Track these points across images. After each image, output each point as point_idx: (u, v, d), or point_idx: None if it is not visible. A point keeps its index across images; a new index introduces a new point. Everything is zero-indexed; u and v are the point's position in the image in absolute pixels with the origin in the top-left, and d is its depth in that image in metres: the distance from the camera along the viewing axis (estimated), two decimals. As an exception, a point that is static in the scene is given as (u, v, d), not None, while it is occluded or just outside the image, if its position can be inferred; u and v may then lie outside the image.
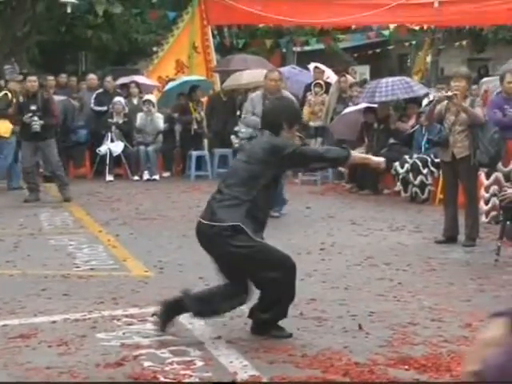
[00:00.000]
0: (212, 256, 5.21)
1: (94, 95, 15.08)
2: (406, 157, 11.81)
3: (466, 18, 17.05)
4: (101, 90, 15.20)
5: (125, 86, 16.34)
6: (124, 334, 5.23)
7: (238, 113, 15.09)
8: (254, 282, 5.14)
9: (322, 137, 14.86)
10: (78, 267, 7.37)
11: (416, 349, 4.93)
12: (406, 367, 4.59)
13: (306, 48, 27.28)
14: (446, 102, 8.54)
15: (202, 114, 15.37)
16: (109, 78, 15.68)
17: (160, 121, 14.91)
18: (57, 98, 14.13)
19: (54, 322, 5.52)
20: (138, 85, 15.77)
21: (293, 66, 19.79)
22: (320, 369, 4.55)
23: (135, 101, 15.48)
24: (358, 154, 6.61)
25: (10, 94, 12.95)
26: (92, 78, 16.32)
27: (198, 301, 5.11)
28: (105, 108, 14.76)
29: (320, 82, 15.42)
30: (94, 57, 28.99)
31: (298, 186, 13.87)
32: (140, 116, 14.86)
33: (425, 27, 19.75)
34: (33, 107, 11.74)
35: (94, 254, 7.89)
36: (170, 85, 16.51)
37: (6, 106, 12.69)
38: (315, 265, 7.46)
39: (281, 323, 5.32)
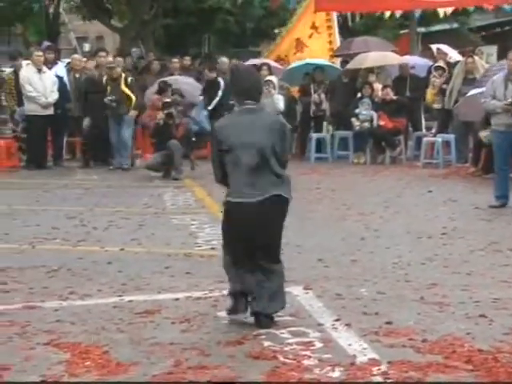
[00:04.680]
0: None
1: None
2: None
3: None
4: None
5: (254, 66, 16.43)
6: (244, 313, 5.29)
7: (359, 95, 14.97)
8: None
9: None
10: (199, 246, 7.52)
11: (543, 338, 4.77)
12: (533, 357, 4.45)
13: (432, 28, 26.68)
14: None
15: (322, 96, 15.30)
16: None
17: (280, 102, 14.90)
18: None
19: (176, 299, 5.66)
20: (269, 67, 15.75)
21: None
22: (441, 355, 4.47)
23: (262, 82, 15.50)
24: None
25: None
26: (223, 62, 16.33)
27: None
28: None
29: (441, 64, 15.10)
30: (216, 39, 29.37)
31: (419, 169, 13.65)
32: (260, 97, 14.89)
33: None
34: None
35: (215, 234, 7.95)
36: (296, 63, 16.50)
37: None
38: (436, 249, 7.33)
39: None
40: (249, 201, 5.03)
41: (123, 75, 13.31)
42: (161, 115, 12.45)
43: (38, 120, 13.26)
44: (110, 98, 13.08)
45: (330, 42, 17.80)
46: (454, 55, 16.51)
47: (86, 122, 13.61)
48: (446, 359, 4.41)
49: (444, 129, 14.64)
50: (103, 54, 14.98)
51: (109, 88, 13.22)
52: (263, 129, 5.11)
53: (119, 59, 15.35)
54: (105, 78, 13.43)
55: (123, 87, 13.17)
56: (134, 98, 13.17)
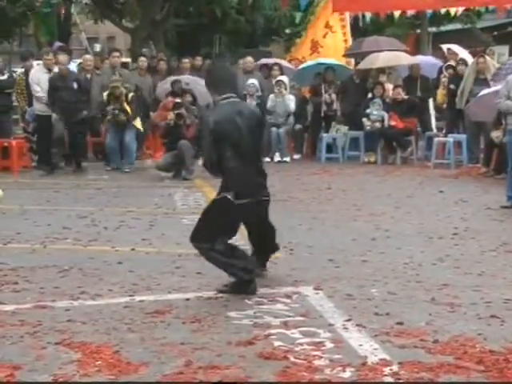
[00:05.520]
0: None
1: None
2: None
3: None
4: None
5: (265, 66, 16.45)
6: (255, 313, 5.30)
7: (370, 95, 14.94)
8: None
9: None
10: (210, 246, 7.50)
11: (555, 339, 4.75)
12: (545, 358, 4.43)
13: (443, 28, 26.62)
14: None
15: (333, 96, 15.29)
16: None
17: (291, 102, 14.91)
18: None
19: (187, 299, 5.66)
20: (281, 68, 15.74)
21: None
22: (453, 355, 4.46)
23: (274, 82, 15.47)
24: None
25: None
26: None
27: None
28: None
29: (452, 63, 15.07)
30: (227, 39, 29.37)
31: (430, 169, 13.62)
32: (271, 97, 14.91)
33: None
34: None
35: (226, 234, 8.00)
36: (308, 63, 16.53)
37: None
38: (448, 250, 7.32)
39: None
40: (260, 198, 5.77)
41: (124, 92, 13.34)
42: (171, 116, 12.48)
43: (47, 120, 13.28)
44: (112, 107, 13.17)
45: (346, 41, 17.80)
46: (465, 55, 16.47)
47: (54, 119, 13.20)
48: (458, 360, 4.40)
49: (453, 128, 14.61)
50: (117, 54, 15.02)
51: (112, 104, 13.33)
52: (252, 120, 5.71)
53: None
54: (106, 94, 13.44)
55: (124, 104, 13.25)
56: (130, 112, 13.23)
